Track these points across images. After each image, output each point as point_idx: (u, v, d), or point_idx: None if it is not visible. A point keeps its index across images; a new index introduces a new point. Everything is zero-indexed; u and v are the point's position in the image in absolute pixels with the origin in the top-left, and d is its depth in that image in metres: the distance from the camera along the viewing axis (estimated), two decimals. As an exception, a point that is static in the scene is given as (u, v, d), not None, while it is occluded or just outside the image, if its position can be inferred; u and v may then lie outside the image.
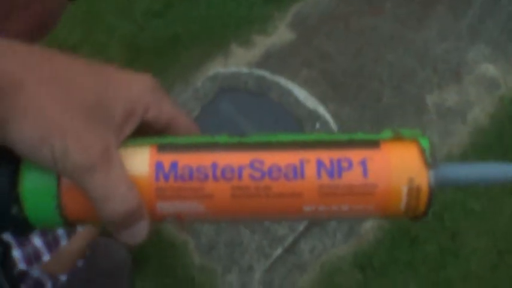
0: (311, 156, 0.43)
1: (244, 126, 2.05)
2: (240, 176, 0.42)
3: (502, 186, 2.01)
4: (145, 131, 0.43)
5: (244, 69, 2.13)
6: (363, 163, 0.43)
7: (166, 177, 0.42)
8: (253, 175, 0.42)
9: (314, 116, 1.98)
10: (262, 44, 2.41)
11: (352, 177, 0.42)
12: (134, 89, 0.42)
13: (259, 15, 2.51)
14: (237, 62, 2.38)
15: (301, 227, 1.89)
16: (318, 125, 1.97)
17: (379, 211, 0.43)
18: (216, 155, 0.42)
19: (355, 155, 0.43)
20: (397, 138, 0.44)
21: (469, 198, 2.00)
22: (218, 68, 2.35)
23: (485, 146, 2.09)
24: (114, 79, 0.42)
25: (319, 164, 0.42)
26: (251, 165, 0.42)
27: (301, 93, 2.04)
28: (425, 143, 0.43)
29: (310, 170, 0.42)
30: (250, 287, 1.87)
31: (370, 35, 2.39)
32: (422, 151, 0.43)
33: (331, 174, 0.42)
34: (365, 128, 2.14)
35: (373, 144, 0.43)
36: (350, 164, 0.43)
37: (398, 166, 0.43)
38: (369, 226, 1.96)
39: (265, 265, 1.87)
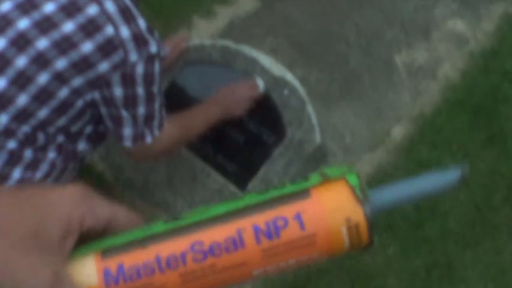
0: (247, 224, 0.44)
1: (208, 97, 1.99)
2: (184, 262, 0.43)
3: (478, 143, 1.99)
4: (87, 237, 0.45)
5: (207, 41, 2.06)
6: (298, 217, 0.44)
7: (116, 282, 0.43)
8: (196, 258, 0.43)
9: (281, 83, 1.93)
10: (225, 14, 2.35)
11: (290, 233, 0.44)
12: (66, 207, 0.44)
13: (220, -15, 2.45)
14: (200, 34, 2.31)
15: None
16: (285, 92, 1.92)
17: (325, 255, 0.45)
18: (158, 247, 0.44)
19: (289, 211, 0.44)
20: (326, 181, 0.46)
21: (444, 154, 1.97)
22: (181, 41, 2.28)
23: (457, 102, 2.06)
24: (45, 202, 0.43)
25: (256, 229, 0.44)
26: (192, 248, 0.44)
27: (267, 61, 1.98)
28: (353, 179, 0.46)
29: (249, 238, 0.44)
30: None
31: (335, -3, 2.33)
32: (352, 188, 0.45)
33: (269, 236, 0.44)
34: (335, 91, 2.09)
35: (304, 194, 0.45)
36: (285, 222, 0.44)
37: (332, 210, 0.45)
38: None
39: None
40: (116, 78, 1.28)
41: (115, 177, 2.01)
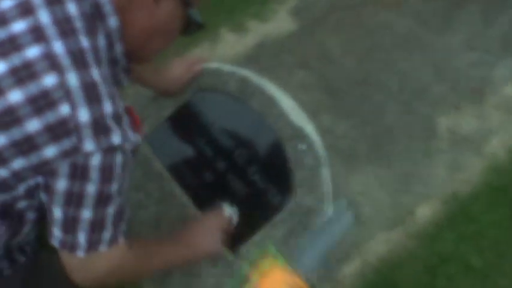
0: None
1: (217, 136, 1.73)
2: None
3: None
4: None
5: (226, 67, 1.80)
6: None
7: None
8: None
9: (299, 135, 1.66)
10: (257, 31, 2.07)
11: None
12: None
13: (258, -4, 2.16)
14: (225, 50, 2.04)
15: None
16: (302, 147, 1.65)
17: None
18: None
19: None
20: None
21: (472, 250, 1.68)
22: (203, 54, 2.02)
23: (501, 188, 1.76)
24: None
25: None
26: None
27: (288, 104, 1.71)
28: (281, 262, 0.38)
29: None
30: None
31: (383, 34, 2.03)
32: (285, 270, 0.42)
33: None
34: (361, 150, 1.81)
35: None
36: None
37: None
38: (348, 271, 1.67)
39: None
40: (63, 168, 1.05)
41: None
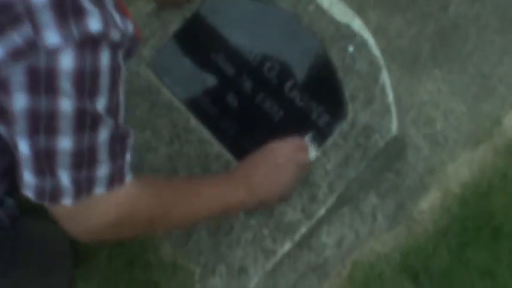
0: None
1: (238, 49, 1.34)
2: None
3: None
4: None
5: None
6: None
7: None
8: None
9: (345, 34, 1.26)
10: None
11: None
12: None
13: None
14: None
15: (322, 210, 1.22)
16: (350, 48, 1.26)
17: None
18: None
19: None
20: None
21: None
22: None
23: None
24: None
25: None
26: None
27: (327, -1, 1.31)
28: None
29: None
30: (243, 297, 1.24)
31: None
32: None
33: None
34: (424, 51, 1.41)
35: None
36: None
37: None
38: (425, 206, 1.29)
39: (266, 266, 1.23)
40: (18, 76, 0.71)
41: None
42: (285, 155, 1.16)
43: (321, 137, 1.24)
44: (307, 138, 1.22)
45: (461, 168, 1.31)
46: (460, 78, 1.38)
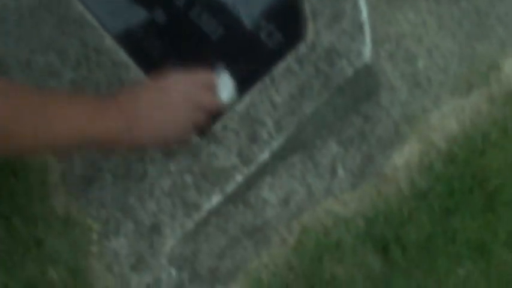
0: None
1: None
2: None
3: None
4: None
5: None
6: None
7: None
8: None
9: None
10: None
11: None
12: None
13: None
14: None
15: (265, 155, 0.92)
16: None
17: None
18: None
19: None
20: None
21: None
22: None
23: None
24: None
25: None
26: None
27: None
28: None
29: None
30: (153, 265, 0.93)
31: None
32: None
33: None
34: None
35: None
36: None
37: None
38: (400, 161, 1.00)
39: (186, 225, 0.92)
40: None
41: None
42: (181, 91, 0.86)
43: (269, 59, 0.95)
44: (224, 74, 0.92)
45: (448, 118, 1.02)
46: (450, 12, 1.10)
